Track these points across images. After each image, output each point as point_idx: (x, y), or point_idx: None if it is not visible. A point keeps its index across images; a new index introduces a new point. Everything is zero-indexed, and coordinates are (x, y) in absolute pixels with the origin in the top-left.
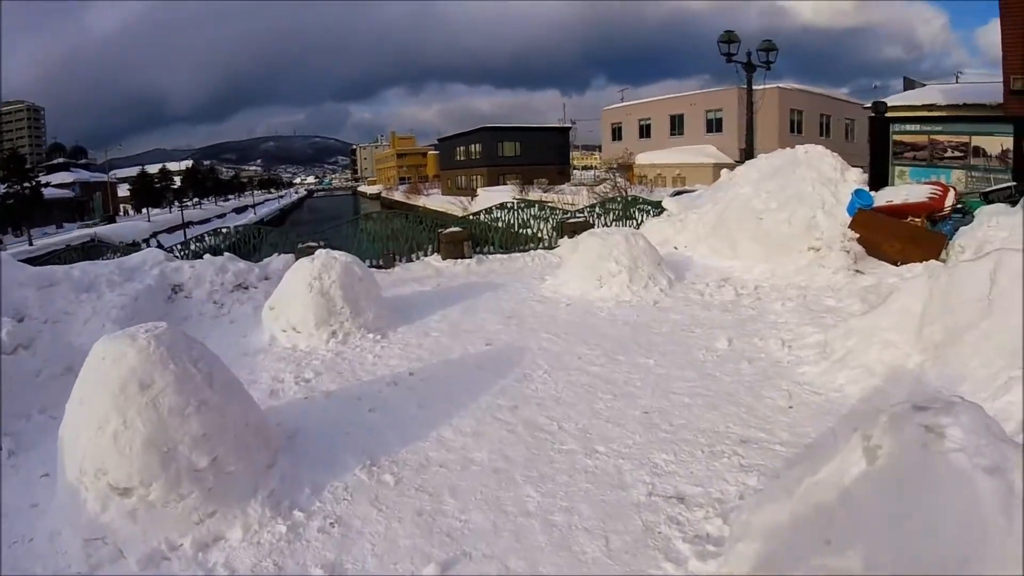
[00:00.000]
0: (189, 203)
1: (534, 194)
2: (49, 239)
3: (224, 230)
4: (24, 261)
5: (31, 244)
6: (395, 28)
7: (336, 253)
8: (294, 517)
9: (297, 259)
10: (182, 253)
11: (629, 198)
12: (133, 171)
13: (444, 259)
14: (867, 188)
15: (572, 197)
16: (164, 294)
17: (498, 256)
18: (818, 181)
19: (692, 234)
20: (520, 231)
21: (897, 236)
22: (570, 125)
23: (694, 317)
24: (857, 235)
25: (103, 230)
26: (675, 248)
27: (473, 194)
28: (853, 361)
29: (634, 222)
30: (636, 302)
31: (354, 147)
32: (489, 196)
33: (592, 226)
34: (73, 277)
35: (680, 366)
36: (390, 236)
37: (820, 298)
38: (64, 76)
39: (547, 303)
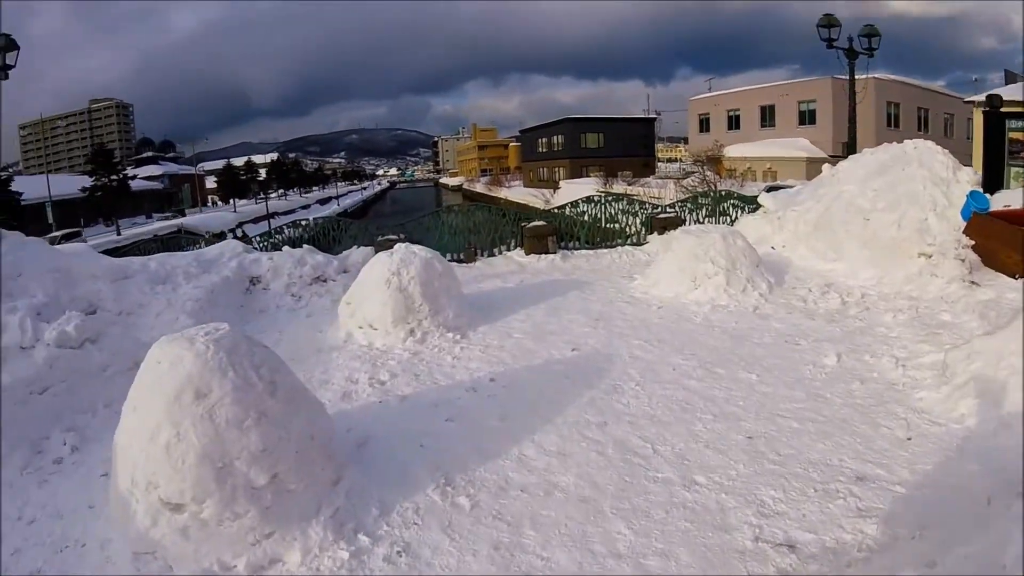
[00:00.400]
0: (274, 194)
1: (618, 187)
2: (137, 229)
3: (304, 222)
4: (108, 252)
5: (119, 234)
6: (473, 20)
7: (416, 248)
8: (358, 542)
9: (376, 252)
10: (261, 245)
11: (722, 192)
12: (221, 163)
13: (527, 254)
14: (981, 190)
15: (659, 191)
16: (242, 286)
17: (584, 252)
18: (929, 180)
19: (791, 233)
20: (607, 226)
21: (1015, 245)
22: (655, 116)
23: (798, 327)
24: (972, 242)
25: (189, 220)
26: (772, 248)
27: (555, 186)
28: (976, 388)
29: (727, 218)
30: (734, 307)
31: (436, 139)
32: (572, 189)
33: (683, 222)
34: (149, 269)
35: (786, 384)
36: (472, 229)
37: (934, 311)
38: (150, 74)
39: (637, 305)
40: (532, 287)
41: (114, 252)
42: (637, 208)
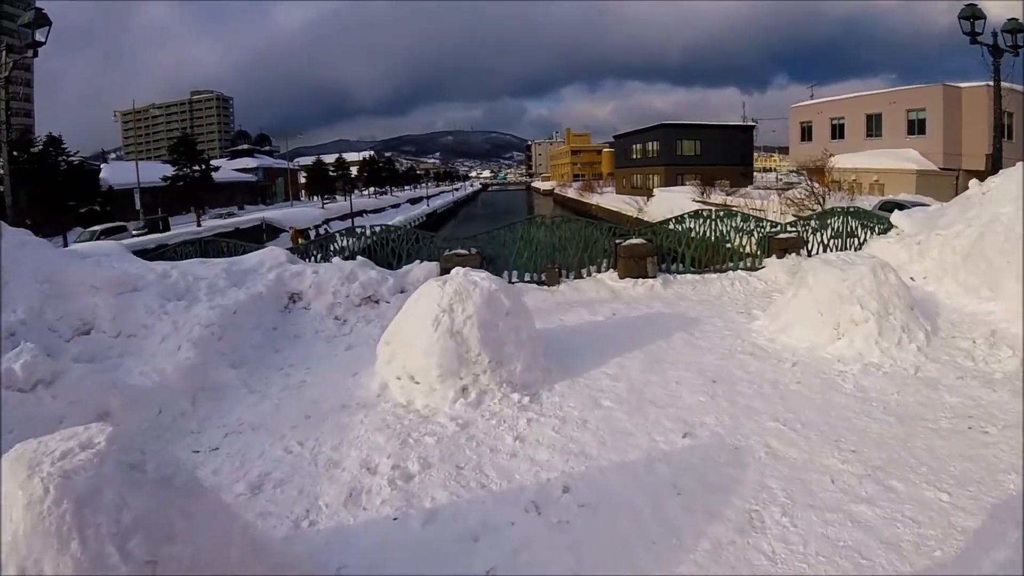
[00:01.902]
0: (365, 192)
1: (716, 197)
2: (220, 221)
3: (359, 230)
4: (139, 252)
5: (199, 225)
6: (572, 26)
7: (477, 275)
8: None
9: (442, 271)
10: (306, 254)
11: (849, 209)
12: (317, 159)
13: (622, 277)
14: None
15: (761, 202)
16: (279, 303)
17: (688, 276)
18: None
19: (935, 263)
20: (715, 244)
21: None
22: (753, 124)
23: (978, 402)
24: None
25: (273, 214)
26: (912, 279)
27: (649, 194)
28: None
29: (855, 240)
30: (889, 367)
31: (529, 143)
32: (666, 197)
33: (804, 244)
34: (167, 280)
35: (990, 511)
36: (556, 246)
37: None
38: (253, 70)
39: (764, 358)
40: (627, 323)
41: (142, 254)
42: (752, 226)
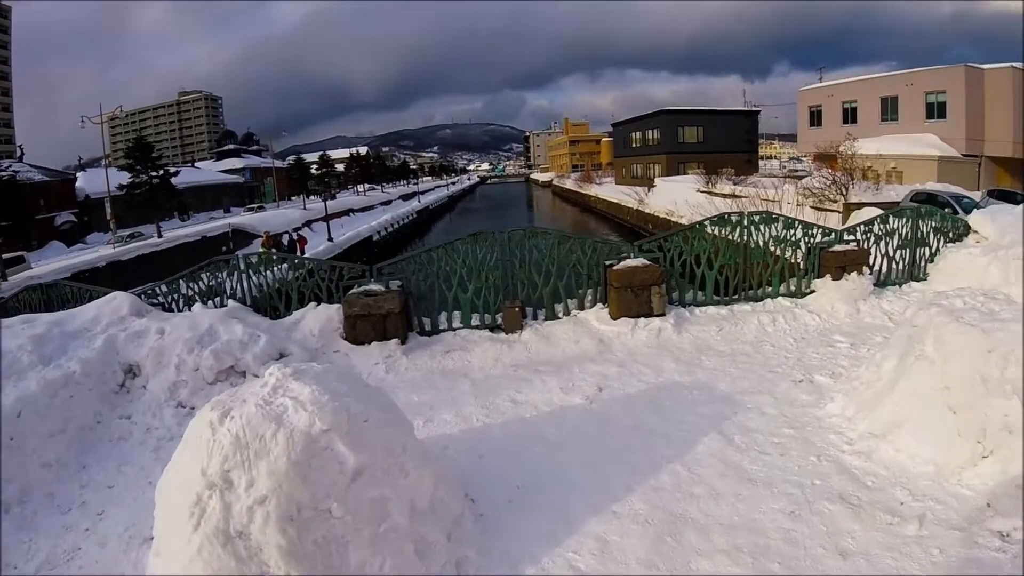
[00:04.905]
0: (357, 190)
1: (723, 187)
2: (180, 231)
3: (233, 262)
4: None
5: (159, 236)
6: (572, 16)
7: (291, 394)
8: None
9: (346, 317)
10: (166, 298)
11: (923, 210)
12: (315, 156)
13: (615, 317)
14: None
15: (774, 192)
16: (110, 381)
17: (711, 310)
18: None
19: None
20: (749, 259)
21: None
22: (758, 109)
23: None
24: None
25: (247, 219)
26: None
27: (650, 184)
28: None
29: (926, 249)
30: None
31: (527, 134)
32: (669, 187)
33: (868, 257)
34: None
35: None
36: (518, 272)
37: None
38: (249, 68)
39: (866, 509)
40: (620, 410)
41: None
42: (799, 234)
